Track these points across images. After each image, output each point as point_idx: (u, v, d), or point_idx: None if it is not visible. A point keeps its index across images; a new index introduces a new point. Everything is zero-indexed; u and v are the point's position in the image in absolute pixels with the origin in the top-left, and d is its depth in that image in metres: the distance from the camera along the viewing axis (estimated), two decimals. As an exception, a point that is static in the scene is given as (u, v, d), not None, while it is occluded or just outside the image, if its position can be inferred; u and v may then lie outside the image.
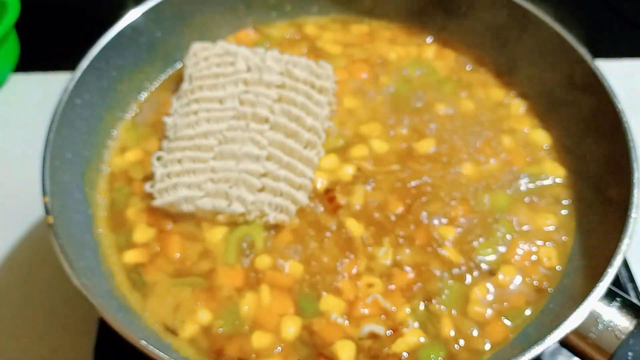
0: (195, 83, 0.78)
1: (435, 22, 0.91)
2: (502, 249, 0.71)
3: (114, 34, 0.78)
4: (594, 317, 0.60)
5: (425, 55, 0.89)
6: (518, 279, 0.70)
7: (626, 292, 0.82)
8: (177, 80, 0.84)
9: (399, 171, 0.76)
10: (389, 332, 0.65)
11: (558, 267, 0.71)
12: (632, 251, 0.65)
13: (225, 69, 0.79)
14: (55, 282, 0.81)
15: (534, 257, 0.71)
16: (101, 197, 0.75)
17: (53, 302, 0.80)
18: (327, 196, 0.73)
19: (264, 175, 0.72)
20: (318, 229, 0.71)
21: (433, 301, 0.67)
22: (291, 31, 0.92)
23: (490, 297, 0.68)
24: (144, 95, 0.84)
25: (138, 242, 0.71)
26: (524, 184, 0.77)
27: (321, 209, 0.73)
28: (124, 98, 0.82)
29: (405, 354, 0.64)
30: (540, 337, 0.58)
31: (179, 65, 0.87)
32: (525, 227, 0.73)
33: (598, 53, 0.80)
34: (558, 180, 0.78)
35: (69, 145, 0.71)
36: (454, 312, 0.67)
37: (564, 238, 0.73)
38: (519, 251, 0.71)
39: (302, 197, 0.72)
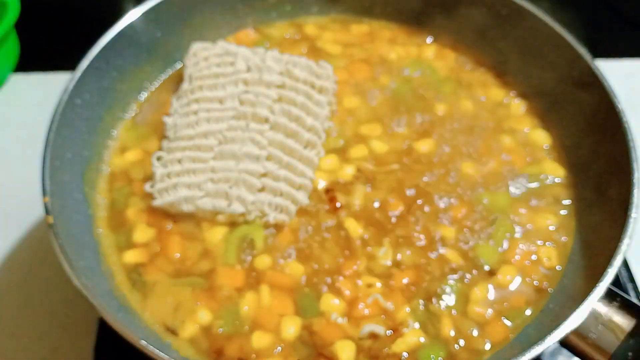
0: (195, 83, 0.78)
1: (435, 22, 0.91)
2: (502, 249, 0.71)
3: (114, 34, 0.78)
4: (594, 317, 0.60)
5: (425, 55, 0.89)
6: (518, 279, 0.70)
7: (626, 292, 0.82)
8: (177, 80, 0.84)
9: (399, 171, 0.76)
10: (389, 332, 0.65)
11: (558, 267, 0.71)
12: (632, 251, 0.65)
13: (225, 69, 0.79)
14: (55, 282, 0.81)
15: (534, 257, 0.71)
16: (101, 197, 0.75)
17: (53, 302, 0.80)
18: (328, 196, 0.74)
19: (264, 175, 0.72)
20: (318, 229, 0.71)
21: (433, 301, 0.67)
22: (291, 31, 0.92)
23: (490, 297, 0.68)
24: (144, 95, 0.84)
25: (138, 242, 0.71)
26: (524, 184, 0.77)
27: (321, 209, 0.73)
28: (124, 98, 0.82)
29: (405, 354, 0.64)
30: (540, 337, 0.58)
31: (179, 65, 0.87)
32: (525, 227, 0.73)
33: (598, 53, 0.80)
34: (558, 180, 0.78)
35: (69, 145, 0.71)
36: (454, 312, 0.67)
37: (563, 238, 0.73)
38: (519, 251, 0.71)
39: (302, 197, 0.72)
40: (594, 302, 0.60)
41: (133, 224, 0.72)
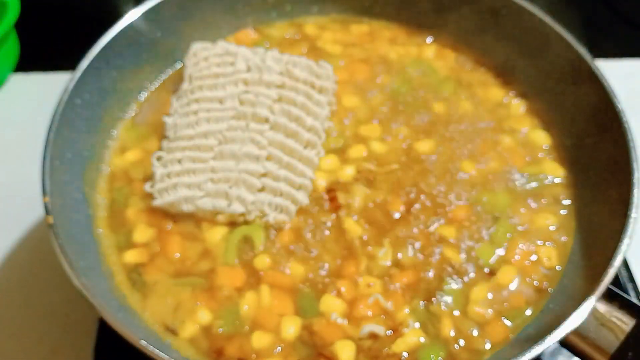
0: (195, 83, 0.78)
1: (435, 22, 0.91)
2: (502, 249, 0.71)
3: (114, 34, 0.78)
4: (594, 317, 0.60)
5: (425, 55, 0.89)
6: (518, 279, 0.70)
7: (626, 292, 0.82)
8: (177, 80, 0.84)
9: (399, 171, 0.76)
10: (389, 332, 0.65)
11: (558, 267, 0.71)
12: (632, 251, 0.65)
13: (225, 69, 0.79)
14: (55, 282, 0.81)
15: (534, 257, 0.71)
16: (101, 197, 0.75)
17: (53, 302, 0.80)
18: (329, 196, 0.73)
19: (264, 175, 0.72)
20: (318, 229, 0.71)
21: (433, 301, 0.67)
22: (291, 31, 0.92)
23: (490, 297, 0.68)
24: (144, 95, 0.84)
25: (138, 242, 0.71)
26: (523, 183, 0.77)
27: (322, 209, 0.73)
28: (124, 98, 0.82)
29: (405, 354, 0.64)
30: (540, 337, 0.58)
31: (179, 65, 0.87)
32: (525, 227, 0.73)
33: (598, 53, 0.80)
34: (558, 180, 0.78)
35: (69, 145, 0.71)
36: (454, 312, 0.67)
37: (563, 238, 0.73)
38: (519, 251, 0.71)
39: (302, 197, 0.72)
40: (594, 302, 0.60)
41: (133, 224, 0.72)
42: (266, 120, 0.75)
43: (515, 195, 0.76)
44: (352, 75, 0.86)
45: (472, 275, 0.69)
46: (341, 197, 0.74)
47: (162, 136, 0.78)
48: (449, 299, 0.67)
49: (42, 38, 1.10)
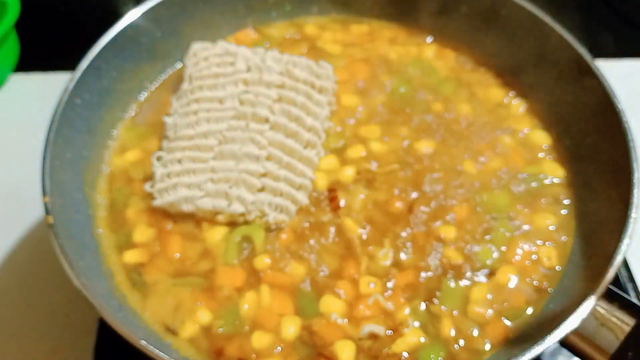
0: (195, 83, 0.78)
1: (435, 22, 0.91)
2: (502, 249, 0.71)
3: (114, 34, 0.78)
4: (594, 317, 0.60)
5: (425, 55, 0.89)
6: (518, 279, 0.70)
7: (626, 292, 0.82)
8: (177, 80, 0.84)
9: (399, 171, 0.76)
10: (389, 332, 0.65)
11: (558, 267, 0.71)
12: (632, 251, 0.65)
13: (225, 69, 0.79)
14: (55, 282, 0.81)
15: (534, 257, 0.71)
16: (101, 197, 0.75)
17: (53, 302, 0.80)
18: (329, 196, 0.73)
19: (264, 175, 0.72)
20: (318, 229, 0.71)
21: (434, 301, 0.67)
22: (291, 31, 0.92)
23: (490, 297, 0.68)
24: (144, 95, 0.84)
25: (138, 242, 0.71)
26: (523, 184, 0.77)
27: (322, 209, 0.73)
28: (124, 98, 0.82)
29: (405, 354, 0.64)
30: (540, 337, 0.58)
31: (179, 65, 0.87)
32: (525, 227, 0.73)
33: (598, 53, 0.80)
34: (558, 180, 0.78)
35: (69, 145, 0.71)
36: (454, 312, 0.67)
37: (563, 238, 0.73)
38: (519, 251, 0.71)
39: (302, 197, 0.72)
40: (594, 302, 0.60)
41: (133, 224, 0.72)
42: (266, 120, 0.75)
43: (515, 195, 0.76)
44: (352, 75, 0.86)
45: (472, 275, 0.69)
46: (341, 197, 0.74)
47: (162, 136, 0.78)
48: (449, 299, 0.67)
49: (42, 38, 1.10)
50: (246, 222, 0.71)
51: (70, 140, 0.72)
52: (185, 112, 0.76)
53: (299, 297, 0.67)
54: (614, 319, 0.60)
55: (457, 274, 0.69)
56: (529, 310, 0.68)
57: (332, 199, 0.73)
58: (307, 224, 0.72)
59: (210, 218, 0.71)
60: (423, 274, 0.69)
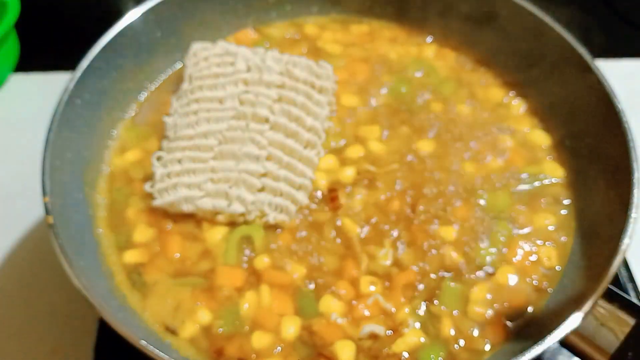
0: (195, 83, 0.78)
1: (435, 22, 0.91)
2: (502, 248, 0.71)
3: (114, 34, 0.78)
4: (594, 317, 0.60)
5: (425, 55, 0.89)
6: (518, 279, 0.70)
7: (626, 292, 0.82)
8: (177, 80, 0.84)
9: (399, 171, 0.76)
10: (389, 332, 0.65)
11: (558, 267, 0.71)
12: (632, 251, 0.65)
13: (225, 69, 0.79)
14: (55, 282, 0.81)
15: (534, 257, 0.71)
16: (101, 197, 0.75)
17: (53, 302, 0.80)
18: (330, 196, 0.73)
19: (264, 175, 0.72)
20: (318, 229, 0.71)
21: (434, 301, 0.67)
22: (291, 31, 0.92)
23: (490, 297, 0.68)
24: (144, 95, 0.84)
25: (138, 242, 0.71)
26: (523, 184, 0.77)
27: (322, 209, 0.73)
28: (124, 98, 0.82)
29: (405, 354, 0.64)
30: (540, 337, 0.58)
31: (179, 65, 0.87)
32: (525, 227, 0.73)
33: (598, 53, 0.80)
34: (558, 180, 0.78)
35: (69, 145, 0.71)
36: (454, 312, 0.67)
37: (563, 238, 0.73)
38: (519, 251, 0.71)
39: (302, 197, 0.72)
40: (594, 302, 0.60)
41: (133, 224, 0.72)
42: (266, 120, 0.75)
43: (515, 195, 0.76)
44: (352, 75, 0.86)
45: (472, 275, 0.69)
46: (341, 197, 0.73)
47: (162, 136, 0.78)
48: (449, 298, 0.67)
49: (42, 38, 1.10)
50: (246, 222, 0.71)
51: (70, 140, 0.72)
52: (185, 112, 0.76)
53: (299, 297, 0.67)
54: (614, 319, 0.60)
55: (457, 274, 0.69)
56: (529, 310, 0.68)
57: (333, 199, 0.73)
58: (307, 224, 0.72)
59: (210, 218, 0.71)
60: (423, 274, 0.69)
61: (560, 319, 0.59)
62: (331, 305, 0.66)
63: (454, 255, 0.70)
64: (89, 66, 0.75)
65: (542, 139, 0.81)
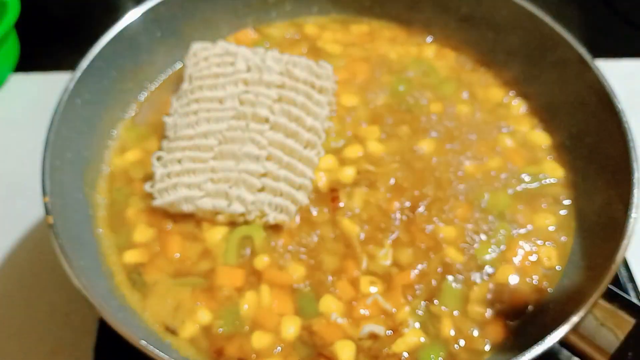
0: (195, 83, 0.78)
1: (435, 22, 0.91)
2: (502, 248, 0.71)
3: (114, 34, 0.78)
4: (594, 317, 0.60)
5: (425, 55, 0.89)
6: (518, 279, 0.70)
7: (626, 292, 0.82)
8: (177, 80, 0.84)
9: (399, 171, 0.76)
10: (389, 332, 0.65)
11: (558, 267, 0.71)
12: (632, 251, 0.65)
13: (225, 69, 0.79)
14: (55, 282, 0.81)
15: (534, 257, 0.71)
16: (101, 197, 0.75)
17: (53, 302, 0.80)
18: (331, 196, 0.73)
19: (264, 175, 0.72)
20: (318, 229, 0.71)
21: (434, 301, 0.67)
22: (291, 31, 0.92)
23: (490, 297, 0.68)
24: (144, 95, 0.84)
25: (138, 242, 0.71)
26: (523, 184, 0.77)
27: (322, 209, 0.73)
28: (124, 98, 0.82)
29: (405, 354, 0.64)
30: (540, 337, 0.58)
31: (179, 65, 0.87)
32: (525, 227, 0.73)
33: (598, 53, 0.80)
34: (558, 180, 0.78)
35: (69, 145, 0.71)
36: (454, 312, 0.67)
37: (563, 238, 0.73)
38: (519, 251, 0.71)
39: (302, 197, 0.72)
40: (594, 302, 0.60)
41: (133, 224, 0.72)
42: (266, 120, 0.75)
43: (515, 195, 0.76)
44: (352, 75, 0.86)
45: (472, 275, 0.69)
46: (341, 197, 0.73)
47: (162, 136, 0.78)
48: (449, 298, 0.67)
49: (42, 38, 1.10)
50: (246, 222, 0.71)
51: (70, 140, 0.72)
52: (185, 112, 0.76)
53: (299, 297, 0.67)
54: (614, 319, 0.60)
55: (457, 274, 0.69)
56: (529, 310, 0.68)
57: (333, 199, 0.73)
58: (307, 224, 0.72)
59: (210, 218, 0.71)
60: (423, 274, 0.69)
61: (560, 319, 0.59)
62: (331, 305, 0.66)
63: (454, 255, 0.70)
64: (89, 66, 0.75)
65: (542, 139, 0.81)
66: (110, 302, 0.64)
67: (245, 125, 0.74)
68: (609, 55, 1.09)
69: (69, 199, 0.70)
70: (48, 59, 1.06)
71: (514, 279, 0.69)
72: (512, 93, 0.86)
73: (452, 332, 0.66)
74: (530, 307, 0.68)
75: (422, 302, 0.67)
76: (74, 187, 0.72)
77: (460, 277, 0.69)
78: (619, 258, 0.62)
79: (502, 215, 0.74)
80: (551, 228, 0.74)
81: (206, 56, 0.80)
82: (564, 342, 0.60)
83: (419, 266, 0.69)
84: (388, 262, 0.69)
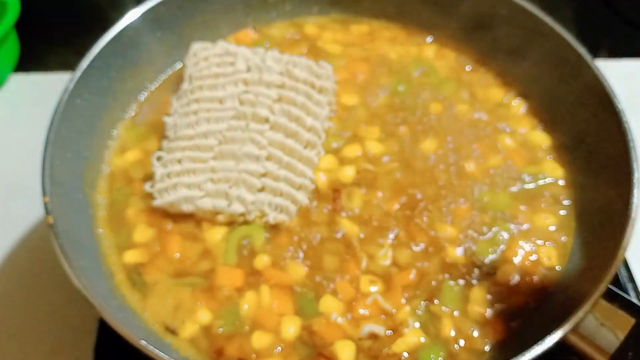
0: (195, 83, 0.78)
1: (435, 22, 0.91)
2: (502, 248, 0.71)
3: (114, 34, 0.78)
4: (594, 317, 0.60)
5: (425, 55, 0.89)
6: (518, 279, 0.70)
7: (626, 292, 0.82)
8: (177, 80, 0.84)
9: (399, 171, 0.76)
10: (389, 332, 0.65)
11: (558, 267, 0.71)
12: (632, 251, 0.65)
13: (225, 69, 0.79)
14: (55, 282, 0.81)
15: (534, 257, 0.71)
16: (101, 197, 0.75)
17: (53, 302, 0.80)
18: (332, 196, 0.73)
19: (264, 175, 0.72)
20: (318, 229, 0.71)
21: (434, 301, 0.67)
22: (291, 31, 0.92)
23: (490, 297, 0.68)
24: (144, 95, 0.84)
25: (138, 242, 0.71)
26: (523, 183, 0.77)
27: (322, 209, 0.73)
28: (124, 98, 0.82)
29: (405, 354, 0.64)
30: (540, 337, 0.58)
31: (179, 65, 0.87)
32: (525, 227, 0.73)
33: (598, 53, 0.80)
34: (558, 180, 0.78)
35: (69, 145, 0.71)
36: (454, 312, 0.67)
37: (563, 238, 0.73)
38: (519, 251, 0.71)
39: (302, 197, 0.72)
40: (594, 302, 0.60)
41: (133, 224, 0.72)
42: (266, 120, 0.75)
43: (515, 195, 0.76)
44: (352, 75, 0.86)
45: (472, 274, 0.69)
46: (341, 197, 0.73)
47: (162, 136, 0.78)
48: (449, 298, 0.67)
49: (42, 38, 1.10)
50: (246, 222, 0.71)
51: (70, 140, 0.72)
52: (185, 112, 0.76)
53: (299, 297, 0.67)
54: (614, 319, 0.60)
55: (457, 274, 0.69)
56: (529, 310, 0.68)
57: (334, 199, 0.73)
58: (307, 224, 0.72)
59: (210, 218, 0.71)
60: (423, 274, 0.69)
61: (560, 319, 0.59)
62: (331, 305, 0.66)
63: (454, 255, 0.70)
64: (89, 66, 0.75)
65: (542, 139, 0.81)
66: (110, 302, 0.64)
67: (245, 125, 0.74)
68: (609, 55, 1.09)
69: (69, 199, 0.70)
70: (48, 59, 1.06)
71: (514, 279, 0.69)
72: (512, 93, 0.86)
73: (452, 332, 0.66)
74: (530, 307, 0.68)
75: (422, 302, 0.67)
76: (74, 187, 0.72)
77: (460, 277, 0.69)
78: (619, 258, 0.62)
79: (502, 215, 0.74)
80: (551, 228, 0.74)
81: (206, 56, 0.80)
82: (564, 342, 0.60)
83: (419, 266, 0.69)
84: (388, 262, 0.69)
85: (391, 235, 0.71)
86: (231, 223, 0.71)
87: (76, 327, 0.78)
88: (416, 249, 0.70)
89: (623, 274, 0.84)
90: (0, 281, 0.82)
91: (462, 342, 0.65)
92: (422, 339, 0.65)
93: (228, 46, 0.81)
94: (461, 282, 0.69)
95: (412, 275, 0.69)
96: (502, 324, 0.67)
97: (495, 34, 0.87)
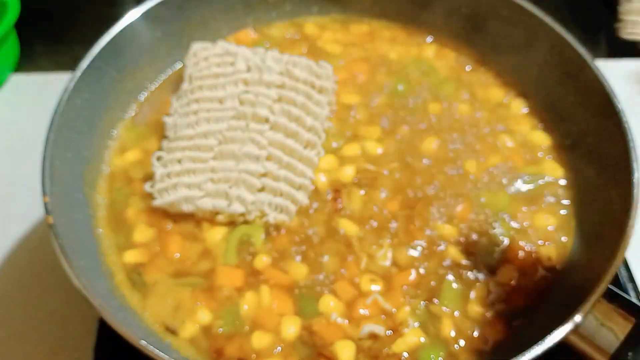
0: (195, 83, 0.78)
1: (435, 22, 0.91)
2: (502, 248, 0.71)
3: (114, 34, 0.78)
4: (594, 317, 0.60)
5: (425, 55, 0.89)
6: (518, 279, 0.69)
7: (626, 292, 0.82)
8: (177, 80, 0.84)
9: (399, 171, 0.76)
10: (389, 332, 0.65)
11: (558, 267, 0.71)
12: (632, 251, 0.65)
13: (225, 69, 0.79)
14: (55, 282, 0.81)
15: (533, 257, 0.71)
16: (101, 197, 0.75)
17: (53, 302, 0.80)
18: (333, 196, 0.73)
19: (264, 175, 0.72)
20: (318, 229, 0.71)
21: (434, 301, 0.67)
22: (291, 31, 0.92)
23: (490, 297, 0.68)
24: (144, 95, 0.84)
25: (138, 242, 0.71)
26: (523, 184, 0.77)
27: (322, 209, 0.73)
28: (124, 98, 0.82)
29: (405, 354, 0.64)
30: (540, 337, 0.58)
31: (179, 65, 0.87)
32: (525, 227, 0.73)
33: (598, 53, 0.80)
34: (558, 180, 0.78)
35: (69, 145, 0.71)
36: (454, 312, 0.67)
37: (563, 238, 0.73)
38: (519, 251, 0.71)
39: (302, 197, 0.72)
40: (594, 302, 0.60)
41: (133, 224, 0.72)
42: (266, 120, 0.75)
43: (516, 195, 0.76)
44: (352, 75, 0.86)
45: (472, 275, 0.69)
46: (341, 197, 0.73)
47: (162, 136, 0.78)
48: (449, 298, 0.67)
49: (42, 38, 1.10)
50: (246, 222, 0.71)
51: (70, 140, 0.72)
52: (185, 112, 0.76)
53: (299, 297, 0.67)
54: (614, 319, 0.60)
55: (457, 274, 0.69)
56: (529, 310, 0.68)
57: (335, 199, 0.73)
58: (307, 224, 0.72)
59: (210, 218, 0.71)
60: (423, 274, 0.69)
61: (560, 319, 0.59)
62: (331, 305, 0.66)
63: (453, 255, 0.70)
64: (89, 66, 0.75)
65: (542, 139, 0.81)
66: (110, 302, 0.64)
67: (245, 125, 0.74)
68: (609, 55, 1.09)
69: (69, 199, 0.70)
70: (48, 59, 1.06)
71: (514, 279, 0.69)
72: (512, 93, 0.86)
73: (452, 332, 0.66)
74: (530, 307, 0.68)
75: (422, 302, 0.67)
76: (74, 187, 0.71)
77: (460, 277, 0.69)
78: (619, 258, 0.62)
79: (502, 215, 0.74)
80: (551, 228, 0.74)
81: (206, 56, 0.80)
82: (564, 342, 0.59)
83: (419, 266, 0.69)
84: (388, 262, 0.69)
85: (391, 235, 0.71)
86: (231, 223, 0.71)
87: (76, 327, 0.78)
88: (416, 249, 0.70)
89: (623, 274, 0.84)
90: (0, 281, 0.82)
91: (462, 342, 0.65)
92: (422, 339, 0.65)
93: (228, 46, 0.81)
94: (461, 282, 0.69)
95: (412, 275, 0.69)
96: (502, 324, 0.67)
97: (495, 34, 0.87)
